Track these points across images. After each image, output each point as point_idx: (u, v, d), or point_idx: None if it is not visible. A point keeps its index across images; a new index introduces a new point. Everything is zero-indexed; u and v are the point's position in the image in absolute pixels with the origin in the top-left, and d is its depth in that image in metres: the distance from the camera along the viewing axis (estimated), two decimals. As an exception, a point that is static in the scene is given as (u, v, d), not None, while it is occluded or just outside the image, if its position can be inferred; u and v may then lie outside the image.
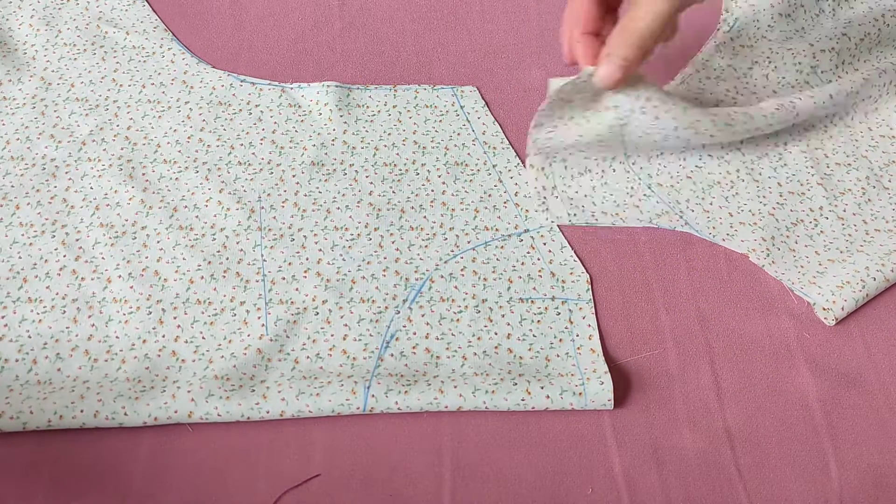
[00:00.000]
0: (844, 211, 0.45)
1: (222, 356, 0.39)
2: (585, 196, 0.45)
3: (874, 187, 0.47)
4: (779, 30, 0.52)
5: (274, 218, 0.44)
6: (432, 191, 0.46)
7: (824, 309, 0.41)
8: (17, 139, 0.47)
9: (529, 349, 0.40)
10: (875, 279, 0.42)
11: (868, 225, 0.45)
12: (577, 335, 0.40)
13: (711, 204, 0.45)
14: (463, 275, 0.42)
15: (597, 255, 0.44)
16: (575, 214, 0.44)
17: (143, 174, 0.46)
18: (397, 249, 0.43)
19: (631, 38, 0.38)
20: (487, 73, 0.52)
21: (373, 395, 0.37)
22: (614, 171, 0.46)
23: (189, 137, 0.47)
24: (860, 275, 0.42)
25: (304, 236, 0.44)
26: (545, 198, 0.45)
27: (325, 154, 0.47)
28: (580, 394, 0.37)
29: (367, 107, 0.50)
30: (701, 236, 0.44)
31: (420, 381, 0.38)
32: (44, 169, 0.46)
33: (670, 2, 0.38)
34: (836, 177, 0.47)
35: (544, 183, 0.45)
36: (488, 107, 0.50)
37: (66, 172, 0.45)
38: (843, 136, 0.49)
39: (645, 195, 0.46)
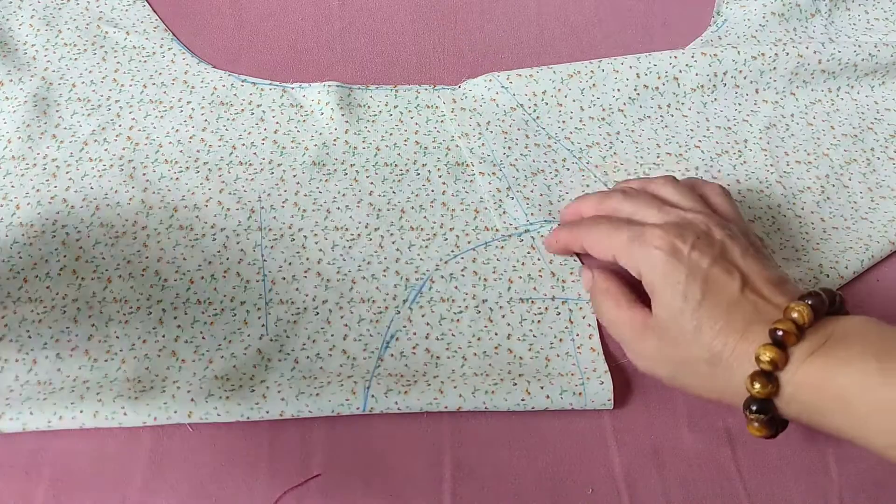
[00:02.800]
0: (802, 209, 0.45)
1: (222, 356, 0.39)
2: (541, 195, 0.45)
3: (833, 185, 0.46)
4: (769, 29, 0.53)
5: (274, 218, 0.44)
6: (433, 191, 0.46)
7: None
8: (19, 138, 0.47)
9: (529, 349, 0.40)
10: (829, 276, 0.42)
11: (826, 223, 0.45)
12: (578, 335, 0.40)
13: None
14: (463, 275, 0.42)
15: (597, 255, 0.44)
16: (532, 213, 0.44)
17: (144, 174, 0.46)
18: (398, 250, 0.43)
19: (598, 305, 0.39)
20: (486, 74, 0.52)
21: (372, 396, 0.37)
22: (568, 169, 0.46)
23: (191, 137, 0.47)
24: (814, 272, 0.42)
25: (305, 236, 0.44)
26: (501, 200, 0.45)
27: (327, 154, 0.47)
28: (580, 394, 0.37)
29: (369, 107, 0.50)
30: None
31: (420, 382, 0.38)
32: (45, 169, 0.46)
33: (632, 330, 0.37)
34: (795, 175, 0.47)
35: (498, 185, 0.45)
36: (488, 107, 0.51)
37: (67, 172, 0.45)
38: (805, 134, 0.49)
39: (605, 185, 0.46)
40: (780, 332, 0.31)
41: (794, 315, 0.31)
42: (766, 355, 0.31)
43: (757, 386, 0.31)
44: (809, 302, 0.31)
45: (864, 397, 0.29)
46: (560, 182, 0.46)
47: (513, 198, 0.45)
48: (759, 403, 0.31)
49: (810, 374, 0.31)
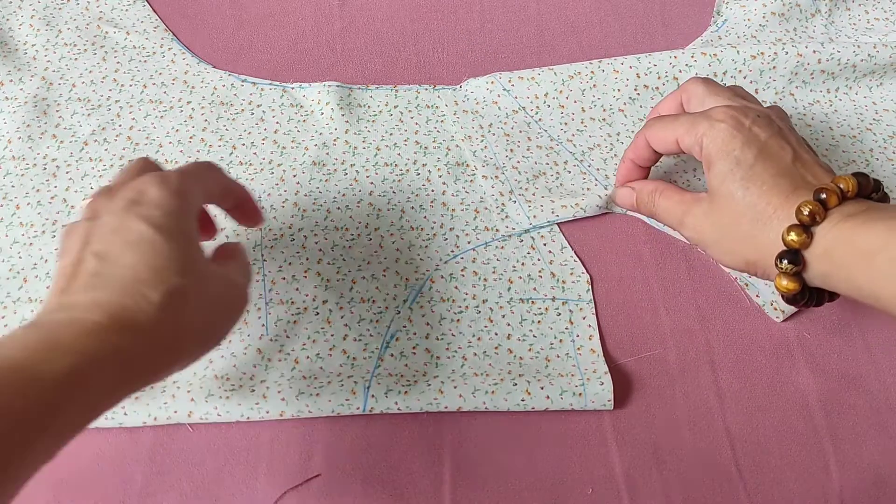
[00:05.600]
0: None
1: (222, 356, 0.39)
2: (543, 196, 0.45)
3: None
4: (769, 29, 0.53)
5: (274, 218, 0.44)
6: (433, 191, 0.46)
7: (774, 308, 0.41)
8: (19, 138, 0.47)
9: (529, 349, 0.40)
10: None
11: None
12: (578, 335, 0.40)
13: None
14: (463, 275, 0.42)
15: (597, 255, 0.44)
16: (535, 216, 0.44)
17: (144, 174, 0.46)
18: (397, 250, 0.43)
19: (654, 206, 0.41)
20: (487, 74, 0.52)
21: (372, 396, 0.37)
22: (569, 172, 0.46)
23: (191, 137, 0.47)
24: None
25: (305, 236, 0.44)
26: (503, 204, 0.45)
27: (327, 154, 0.47)
28: (580, 394, 0.37)
29: (369, 107, 0.50)
30: (659, 228, 0.44)
31: (420, 382, 0.38)
32: (45, 169, 0.46)
33: (691, 230, 0.38)
34: None
35: (500, 188, 0.45)
36: (488, 107, 0.51)
37: (67, 172, 0.46)
38: (803, 135, 0.49)
39: (605, 188, 0.46)
40: (824, 195, 0.33)
41: (841, 184, 0.33)
42: (807, 208, 0.33)
43: (792, 235, 0.33)
44: (857, 178, 0.33)
45: (886, 250, 0.31)
46: (561, 185, 0.46)
47: (514, 201, 0.45)
48: (791, 255, 0.33)
49: (844, 230, 0.32)
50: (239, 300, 0.32)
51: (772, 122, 0.37)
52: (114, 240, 0.29)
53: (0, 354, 0.25)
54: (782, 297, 0.35)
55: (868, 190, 0.34)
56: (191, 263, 0.30)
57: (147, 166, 0.34)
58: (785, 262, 0.33)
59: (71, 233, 0.31)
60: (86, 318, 0.27)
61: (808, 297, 0.35)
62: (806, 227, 0.33)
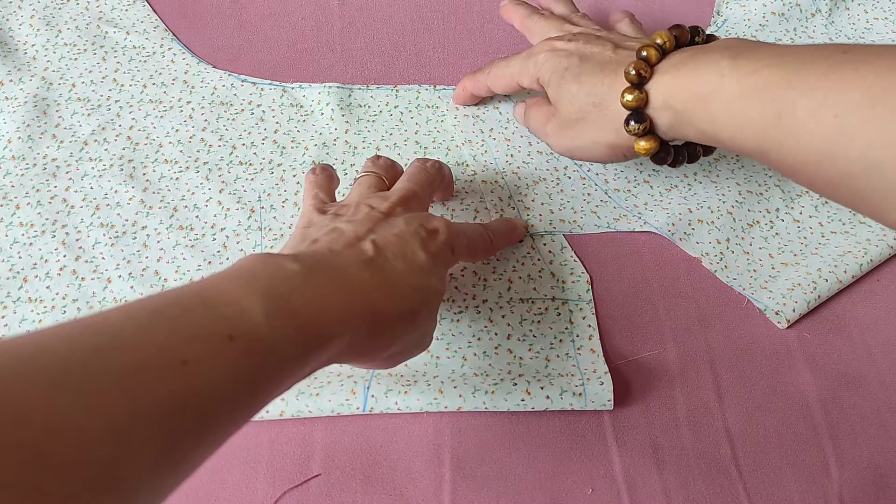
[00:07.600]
0: (801, 213, 0.45)
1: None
2: (542, 204, 0.45)
3: None
4: (769, 29, 0.53)
5: (274, 218, 0.44)
6: (432, 191, 0.46)
7: (776, 313, 0.41)
8: (19, 138, 0.47)
9: (529, 349, 0.40)
10: (827, 280, 0.42)
11: (824, 227, 0.45)
12: (578, 335, 0.40)
13: (670, 203, 0.45)
14: (463, 275, 0.42)
15: (597, 256, 0.44)
16: (533, 226, 0.44)
17: (144, 174, 0.46)
18: (397, 249, 0.43)
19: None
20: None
21: (372, 396, 0.37)
22: (569, 178, 0.46)
23: (191, 137, 0.47)
24: (812, 276, 0.42)
25: (305, 236, 0.43)
26: (502, 210, 0.45)
27: (327, 154, 0.47)
28: (580, 394, 0.37)
29: (369, 107, 0.50)
30: (660, 234, 0.44)
31: (420, 382, 0.38)
32: (44, 169, 0.46)
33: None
34: None
35: (500, 194, 0.45)
36: (488, 107, 0.51)
37: (67, 172, 0.45)
38: None
39: (602, 200, 0.45)
40: (644, 52, 0.36)
41: (658, 40, 0.37)
42: (632, 68, 0.36)
43: (627, 96, 0.36)
44: (671, 31, 0.37)
45: (718, 93, 0.33)
46: (561, 191, 0.46)
47: (514, 207, 0.45)
48: (635, 115, 0.37)
49: (676, 79, 0.35)
50: (426, 345, 0.35)
51: (588, 34, 0.41)
52: (394, 247, 0.32)
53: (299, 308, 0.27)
54: (651, 160, 0.38)
55: (686, 39, 0.37)
56: (436, 303, 0.33)
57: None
58: (632, 122, 0.36)
59: (358, 209, 0.35)
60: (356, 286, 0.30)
61: (673, 154, 0.39)
62: (638, 86, 0.36)
